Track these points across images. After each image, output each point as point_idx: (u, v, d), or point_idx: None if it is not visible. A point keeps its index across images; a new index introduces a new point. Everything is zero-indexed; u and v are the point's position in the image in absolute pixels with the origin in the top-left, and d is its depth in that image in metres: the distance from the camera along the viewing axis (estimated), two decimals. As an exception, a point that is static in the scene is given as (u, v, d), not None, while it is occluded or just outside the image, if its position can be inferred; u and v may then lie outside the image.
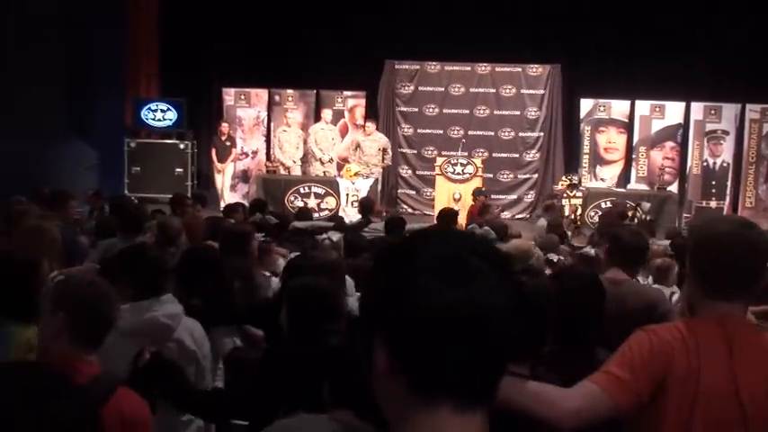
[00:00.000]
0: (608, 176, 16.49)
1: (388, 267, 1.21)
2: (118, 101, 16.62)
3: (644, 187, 15.79)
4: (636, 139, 16.51)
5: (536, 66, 16.86)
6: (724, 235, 2.31)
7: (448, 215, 10.08)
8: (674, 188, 15.97)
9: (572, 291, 3.24)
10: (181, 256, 5.04)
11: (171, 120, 16.62)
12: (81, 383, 2.60)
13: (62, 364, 2.67)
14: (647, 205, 13.69)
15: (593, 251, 7.89)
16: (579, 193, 14.36)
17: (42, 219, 5.97)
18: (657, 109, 16.43)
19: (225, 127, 16.02)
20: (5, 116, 13.26)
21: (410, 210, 16.70)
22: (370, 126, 15.30)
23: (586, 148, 16.62)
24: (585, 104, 16.64)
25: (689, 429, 2.20)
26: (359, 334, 1.28)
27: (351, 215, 13.74)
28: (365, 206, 11.24)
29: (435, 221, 10.65)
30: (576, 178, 15.02)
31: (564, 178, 14.96)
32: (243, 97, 17.25)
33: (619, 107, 16.55)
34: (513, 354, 1.20)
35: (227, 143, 15.93)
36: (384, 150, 15.14)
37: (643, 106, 16.44)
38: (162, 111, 16.61)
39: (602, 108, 16.59)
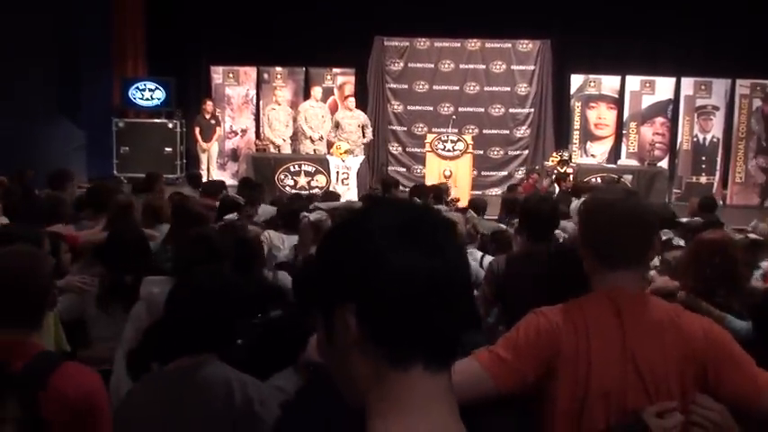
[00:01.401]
0: (598, 152, 16.49)
1: (348, 239, 1.22)
2: (105, 81, 16.52)
3: (634, 163, 15.80)
4: (626, 114, 16.51)
5: (526, 41, 16.80)
6: (610, 205, 2.35)
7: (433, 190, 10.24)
8: (664, 164, 15.99)
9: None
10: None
11: (159, 99, 16.51)
12: (16, 370, 2.46)
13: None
14: (628, 177, 13.70)
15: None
16: (570, 170, 14.34)
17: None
18: (648, 84, 16.41)
19: (209, 105, 15.92)
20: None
21: (401, 187, 16.63)
22: (352, 101, 15.26)
23: (577, 124, 16.62)
24: (576, 80, 16.61)
25: (584, 405, 2.21)
26: (308, 310, 1.31)
27: (342, 193, 13.72)
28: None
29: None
30: (567, 154, 14.99)
31: (554, 154, 14.93)
32: (231, 75, 17.16)
33: (609, 83, 16.53)
34: (469, 315, 1.26)
35: (212, 122, 15.85)
36: (364, 127, 15.09)
37: (633, 82, 16.42)
38: (150, 90, 16.49)
39: (592, 84, 16.57)
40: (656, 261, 5.13)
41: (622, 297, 2.28)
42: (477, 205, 9.77)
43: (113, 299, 4.49)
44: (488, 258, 5.98)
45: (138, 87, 16.54)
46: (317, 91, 15.86)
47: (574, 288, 2.39)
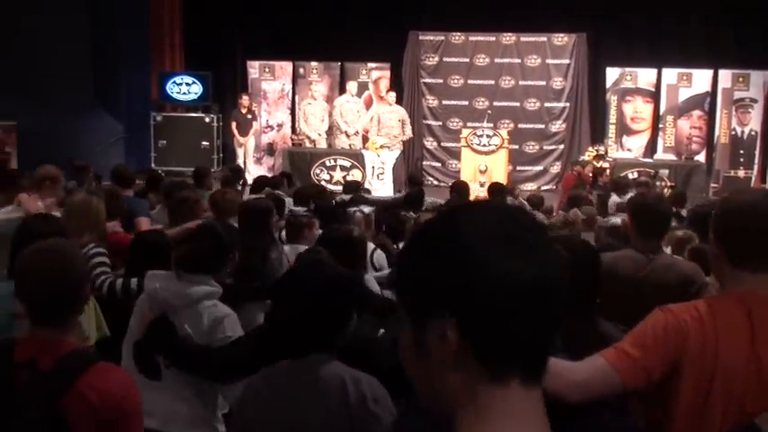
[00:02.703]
0: (635, 147, 16.37)
1: (443, 248, 1.16)
2: (144, 75, 16.69)
3: (671, 157, 15.67)
4: (663, 108, 16.35)
5: (561, 35, 16.72)
6: (749, 204, 2.32)
7: (496, 189, 10.11)
8: (701, 158, 15.85)
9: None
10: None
11: (196, 93, 16.67)
12: (45, 370, 2.41)
13: (24, 349, 2.50)
14: (665, 172, 13.59)
15: (619, 220, 7.74)
16: (606, 164, 14.27)
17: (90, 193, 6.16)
18: (685, 77, 16.24)
19: (246, 100, 16.04)
20: (35, 91, 13.38)
21: (435, 182, 16.68)
22: (392, 96, 15.31)
23: (613, 118, 16.50)
24: (612, 74, 16.49)
25: (706, 406, 2.21)
26: (398, 324, 1.24)
27: (376, 188, 13.78)
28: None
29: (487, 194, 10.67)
30: (603, 149, 14.93)
31: (590, 149, 14.88)
32: (267, 70, 17.26)
33: (645, 76, 16.38)
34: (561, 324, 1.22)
35: (248, 116, 15.97)
36: (403, 122, 15.14)
37: (670, 74, 16.25)
38: (187, 84, 16.66)
39: (628, 77, 16.44)
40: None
41: (754, 299, 2.26)
42: (535, 202, 9.59)
43: None
44: None
45: (175, 81, 16.71)
46: (352, 86, 15.94)
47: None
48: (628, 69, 16.39)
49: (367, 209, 6.94)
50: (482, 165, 14.01)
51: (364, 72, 16.96)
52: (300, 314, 2.68)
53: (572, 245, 3.05)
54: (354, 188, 10.71)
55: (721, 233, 2.40)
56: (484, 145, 14.20)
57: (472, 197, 10.79)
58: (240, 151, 15.94)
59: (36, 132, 13.34)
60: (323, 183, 14.27)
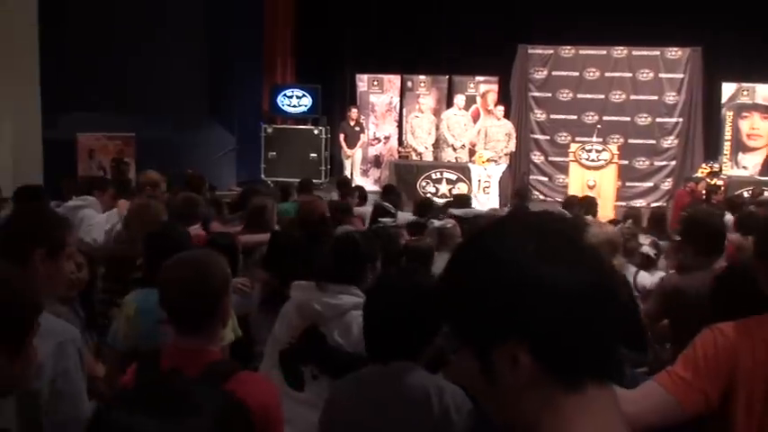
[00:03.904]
0: (751, 164, 15.84)
1: (499, 269, 1.14)
2: (256, 88, 17.10)
3: (789, 175, 15.11)
4: (782, 124, 15.79)
5: (675, 48, 16.35)
6: None
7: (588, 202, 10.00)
8: (822, 176, 15.22)
9: None
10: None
11: (306, 106, 16.97)
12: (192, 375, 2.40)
13: (170, 359, 2.56)
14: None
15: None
16: (720, 182, 13.86)
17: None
18: (806, 93, 15.66)
19: (354, 113, 16.26)
20: (153, 104, 13.90)
21: (542, 196, 16.53)
22: (501, 110, 15.27)
23: (728, 135, 16.00)
24: (727, 88, 16.02)
25: (763, 424, 2.15)
26: (468, 354, 1.18)
27: (482, 201, 13.74)
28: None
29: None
30: (717, 166, 14.52)
31: (704, 165, 14.49)
32: (376, 83, 17.45)
33: (763, 91, 15.84)
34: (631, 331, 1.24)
35: (356, 129, 16.16)
36: (509, 136, 15.07)
37: (790, 90, 15.70)
38: (297, 97, 16.99)
39: (745, 92, 15.94)
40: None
41: None
42: (634, 217, 9.41)
43: (275, 303, 4.56)
44: (643, 274, 5.79)
45: (286, 94, 17.07)
46: (459, 99, 15.97)
47: (745, 305, 2.35)
48: (745, 84, 15.89)
49: (439, 222, 6.96)
50: (590, 180, 13.81)
51: (472, 85, 16.96)
52: (391, 321, 2.69)
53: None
54: (466, 201, 10.70)
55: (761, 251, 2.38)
56: (593, 160, 13.99)
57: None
58: (347, 163, 16.15)
59: (153, 143, 13.85)
60: (428, 195, 14.31)
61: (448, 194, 14.21)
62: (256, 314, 4.72)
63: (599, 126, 15.43)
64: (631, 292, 2.50)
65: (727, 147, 15.99)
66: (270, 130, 16.83)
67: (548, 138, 17.04)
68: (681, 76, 16.38)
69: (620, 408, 1.19)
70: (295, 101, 16.99)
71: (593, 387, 1.15)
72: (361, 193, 10.75)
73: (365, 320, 2.85)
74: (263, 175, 16.36)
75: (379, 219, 7.56)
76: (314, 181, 14.73)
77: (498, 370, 1.13)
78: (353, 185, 12.03)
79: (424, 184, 14.82)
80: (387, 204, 8.87)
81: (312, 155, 16.59)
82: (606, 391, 1.17)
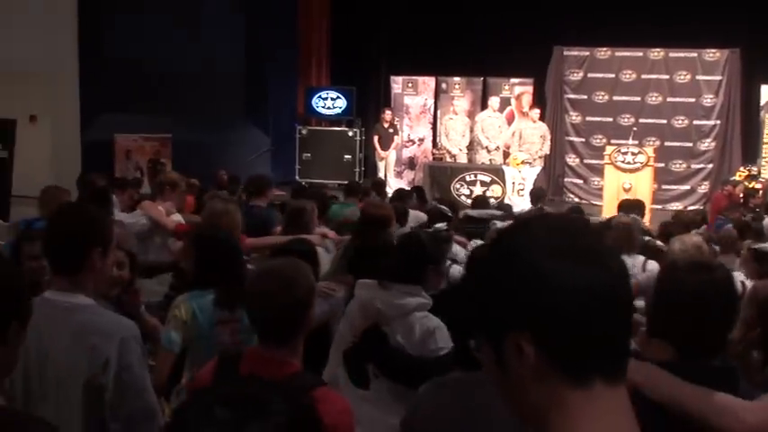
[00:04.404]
0: (790, 167, 15.62)
1: (513, 263, 1.20)
2: (291, 90, 17.20)
3: (830, 179, 14.86)
4: (822, 127, 15.54)
5: (713, 50, 16.15)
6: None
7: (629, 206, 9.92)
8: None
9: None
10: None
11: (340, 108, 17.03)
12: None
13: (249, 364, 2.58)
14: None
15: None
16: (758, 185, 13.68)
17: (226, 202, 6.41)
18: None
19: (388, 114, 16.27)
20: (190, 106, 14.03)
21: (577, 199, 16.42)
22: (536, 113, 15.21)
23: (766, 138, 15.76)
24: (766, 91, 15.79)
25: None
26: (479, 342, 1.26)
27: (517, 204, 13.68)
28: (537, 196, 11.26)
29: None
30: (755, 169, 14.32)
31: (741, 169, 14.30)
32: (410, 85, 17.46)
33: (803, 93, 15.62)
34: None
35: (390, 130, 16.17)
36: (544, 138, 15.04)
37: (831, 93, 15.45)
38: (332, 99, 17.05)
39: (784, 95, 15.72)
40: None
41: None
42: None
43: None
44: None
45: (320, 96, 17.14)
46: (494, 101, 15.93)
47: None
48: (784, 87, 15.67)
49: (501, 225, 6.96)
50: (626, 183, 13.70)
51: (507, 87, 16.90)
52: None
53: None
54: (483, 203, 10.69)
55: None
56: (628, 162, 13.87)
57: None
58: (381, 165, 16.17)
59: (189, 145, 13.99)
60: (462, 198, 14.30)
61: (482, 196, 14.18)
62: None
63: (635, 128, 15.29)
64: (733, 296, 2.43)
65: (765, 150, 15.73)
66: (304, 132, 16.91)
67: (583, 140, 16.93)
68: (719, 78, 16.18)
69: (630, 408, 1.20)
70: (330, 102, 17.06)
71: (601, 385, 1.17)
72: (420, 195, 10.66)
73: (452, 329, 2.80)
74: (297, 177, 16.44)
75: (435, 224, 7.55)
76: (346, 182, 14.84)
77: (507, 359, 1.19)
78: (409, 189, 12.01)
79: (458, 186, 14.79)
80: (444, 207, 8.87)
81: (346, 156, 16.64)
82: (616, 391, 1.19)
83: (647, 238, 7.71)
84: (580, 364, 1.17)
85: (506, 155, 15.29)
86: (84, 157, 12.33)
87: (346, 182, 11.19)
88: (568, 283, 1.14)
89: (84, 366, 2.67)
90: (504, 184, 14.49)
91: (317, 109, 17.19)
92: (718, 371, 2.26)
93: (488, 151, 15.49)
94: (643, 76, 16.53)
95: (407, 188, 13.72)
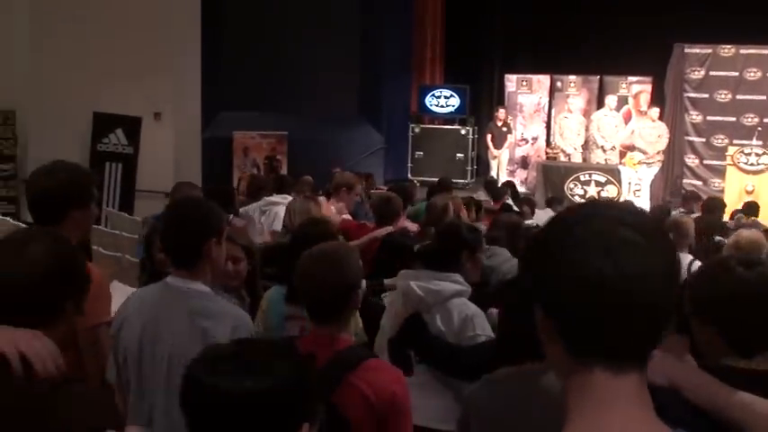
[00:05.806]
0: None
1: (533, 245, 1.34)
2: (404, 88, 17.29)
3: None
4: None
5: (844, 48, 15.44)
6: None
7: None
8: None
9: None
10: None
11: (453, 106, 17.02)
12: (321, 364, 2.51)
13: (305, 345, 2.50)
14: None
15: None
16: None
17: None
18: None
19: (502, 113, 16.17)
20: (305, 104, 14.31)
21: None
22: (655, 112, 14.82)
23: None
24: None
25: None
26: (524, 302, 1.41)
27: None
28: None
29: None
30: None
31: None
32: (525, 83, 17.30)
33: None
34: (666, 322, 1.26)
35: (504, 129, 16.07)
36: (661, 137, 14.62)
37: None
38: (445, 97, 17.06)
39: None
40: None
41: None
42: None
43: None
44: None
45: (434, 95, 17.18)
46: (611, 99, 15.63)
47: None
48: None
49: None
50: (749, 185, 13.24)
51: (624, 86, 16.54)
52: (527, 322, 2.65)
53: None
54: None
55: None
56: (752, 164, 13.41)
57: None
58: (494, 163, 16.08)
59: (304, 142, 14.26)
60: (576, 198, 14.09)
61: (596, 197, 13.94)
62: None
63: (759, 128, 14.77)
64: None
65: None
66: (417, 130, 16.98)
67: (703, 140, 16.42)
68: None
69: (638, 401, 1.24)
70: (443, 101, 17.08)
71: (601, 370, 1.24)
72: (513, 191, 10.65)
73: (499, 327, 2.82)
74: (409, 175, 16.51)
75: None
76: (459, 181, 14.86)
77: (537, 320, 1.32)
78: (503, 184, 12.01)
79: (571, 186, 14.59)
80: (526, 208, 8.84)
81: (459, 155, 16.63)
82: (621, 380, 1.24)
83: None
84: (578, 342, 1.25)
85: (622, 154, 14.97)
86: (203, 154, 12.73)
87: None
88: (579, 272, 1.22)
89: (194, 348, 2.75)
90: (620, 185, 14.21)
91: (431, 107, 17.23)
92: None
93: (604, 151, 15.22)
94: (768, 75, 15.93)
95: (522, 188, 13.73)
